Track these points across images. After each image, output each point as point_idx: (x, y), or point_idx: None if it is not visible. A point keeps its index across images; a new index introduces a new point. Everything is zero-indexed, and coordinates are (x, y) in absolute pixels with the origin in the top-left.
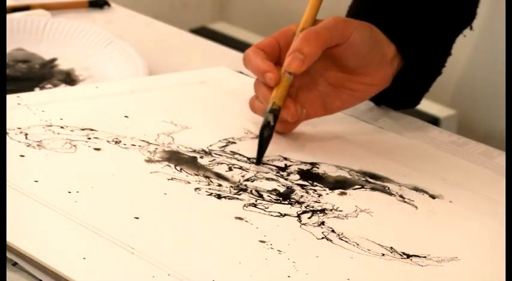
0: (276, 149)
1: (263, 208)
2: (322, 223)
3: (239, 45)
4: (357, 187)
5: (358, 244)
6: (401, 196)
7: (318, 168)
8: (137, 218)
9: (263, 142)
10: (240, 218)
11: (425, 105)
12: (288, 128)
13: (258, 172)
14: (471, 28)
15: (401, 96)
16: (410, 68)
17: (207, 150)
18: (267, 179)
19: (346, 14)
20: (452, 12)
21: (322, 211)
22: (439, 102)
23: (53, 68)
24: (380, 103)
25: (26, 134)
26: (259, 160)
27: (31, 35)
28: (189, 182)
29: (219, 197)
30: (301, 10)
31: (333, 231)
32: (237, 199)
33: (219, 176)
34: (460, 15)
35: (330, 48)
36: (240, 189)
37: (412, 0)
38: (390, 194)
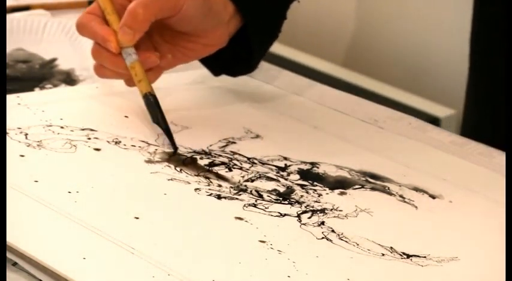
0: (276, 149)
1: (263, 208)
2: (322, 222)
3: None
4: (357, 186)
5: (358, 244)
6: (401, 196)
7: (318, 168)
8: (137, 218)
9: (168, 132)
10: (240, 218)
11: (425, 105)
12: (155, 76)
13: (258, 172)
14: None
15: (238, 59)
16: (249, 27)
17: (207, 150)
18: (267, 179)
19: None
20: None
21: (322, 210)
22: (439, 102)
23: (53, 68)
24: (219, 73)
25: (26, 134)
26: (175, 147)
27: (31, 35)
28: (189, 183)
29: (219, 197)
30: (300, 10)
31: (333, 231)
32: (237, 199)
33: (219, 176)
34: None
35: (161, 19)
36: (240, 189)
37: None
38: (390, 194)
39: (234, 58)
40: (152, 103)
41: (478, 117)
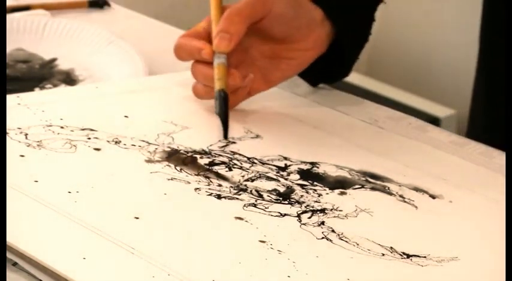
0: (276, 149)
1: (263, 208)
2: (322, 222)
3: None
4: (357, 186)
5: (358, 244)
6: (401, 196)
7: (318, 168)
8: (137, 218)
9: (224, 123)
10: (240, 218)
11: (425, 105)
12: (234, 101)
13: (258, 172)
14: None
15: (334, 66)
16: (340, 32)
17: (207, 150)
18: (267, 179)
19: None
20: None
21: (322, 210)
22: (439, 102)
23: (53, 68)
24: (316, 83)
25: (26, 134)
26: (226, 135)
27: (31, 35)
28: (189, 182)
29: (219, 197)
30: None
31: (333, 231)
32: (237, 199)
33: (219, 176)
34: None
35: (255, 22)
36: (240, 189)
37: None
38: (390, 194)
39: (330, 64)
40: (222, 98)
41: (484, 117)
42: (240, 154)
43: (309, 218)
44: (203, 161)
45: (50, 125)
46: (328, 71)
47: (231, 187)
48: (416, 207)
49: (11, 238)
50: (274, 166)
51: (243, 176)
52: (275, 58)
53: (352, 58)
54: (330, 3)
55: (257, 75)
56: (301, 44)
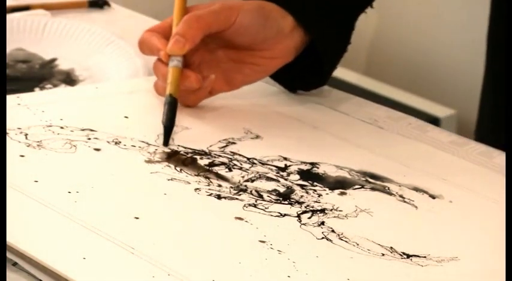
0: (276, 149)
1: (263, 208)
2: (322, 223)
3: None
4: (357, 186)
5: (358, 244)
6: (401, 196)
7: (318, 168)
8: (137, 218)
9: (166, 129)
10: (240, 218)
11: (425, 105)
12: (194, 100)
13: (258, 172)
14: (371, 6)
15: (309, 74)
16: (315, 40)
17: (207, 150)
18: (267, 179)
19: None
20: None
21: (322, 211)
22: (439, 102)
23: (53, 68)
24: (294, 89)
25: (26, 134)
26: (166, 142)
27: (31, 35)
28: (189, 183)
29: (219, 197)
30: None
31: (333, 231)
32: (237, 199)
33: (219, 176)
34: None
35: (217, 32)
36: (240, 189)
37: None
38: (390, 194)
39: (306, 71)
40: (169, 103)
41: (492, 118)
42: (239, 155)
43: (309, 218)
44: (203, 161)
45: (50, 126)
46: (303, 78)
47: (231, 187)
48: (416, 207)
49: (11, 238)
50: (274, 166)
51: (243, 177)
52: (240, 62)
53: (329, 67)
54: (302, 10)
55: (220, 76)
56: (267, 52)
